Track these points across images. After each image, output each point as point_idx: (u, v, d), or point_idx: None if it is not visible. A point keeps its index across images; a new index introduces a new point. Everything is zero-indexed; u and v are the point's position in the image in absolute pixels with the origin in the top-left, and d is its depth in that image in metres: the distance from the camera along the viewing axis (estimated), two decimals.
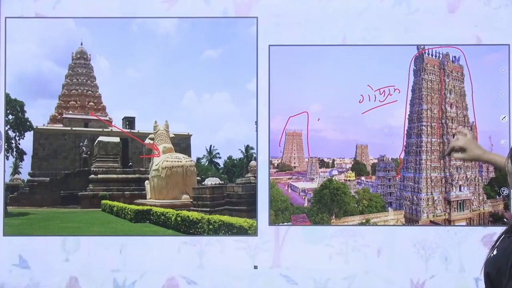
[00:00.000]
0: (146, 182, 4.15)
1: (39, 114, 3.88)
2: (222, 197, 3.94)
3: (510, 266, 1.38)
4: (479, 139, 3.70)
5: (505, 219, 3.60)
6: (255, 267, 3.47)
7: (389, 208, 3.77)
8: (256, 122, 3.64)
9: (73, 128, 4.37)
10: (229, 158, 4.04)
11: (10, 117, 3.75)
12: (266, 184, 3.57)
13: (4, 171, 3.68)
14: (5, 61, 3.65)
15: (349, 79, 3.66)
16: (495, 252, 1.47)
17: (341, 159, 3.88)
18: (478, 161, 1.86)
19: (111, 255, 3.57)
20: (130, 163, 4.35)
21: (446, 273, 3.52)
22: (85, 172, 4.14)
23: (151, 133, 4.12)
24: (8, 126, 3.75)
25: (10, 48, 3.66)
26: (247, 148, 3.87)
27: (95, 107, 4.38)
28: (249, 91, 3.66)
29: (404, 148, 3.72)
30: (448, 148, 1.83)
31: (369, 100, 3.63)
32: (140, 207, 3.99)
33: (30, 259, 3.57)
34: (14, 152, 3.83)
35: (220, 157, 4.10)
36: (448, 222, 3.69)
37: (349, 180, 3.86)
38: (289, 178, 3.82)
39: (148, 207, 3.97)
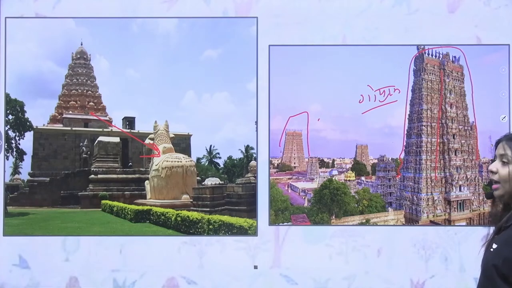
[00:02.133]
0: (146, 182, 4.15)
1: (39, 114, 3.88)
2: (222, 197, 3.94)
3: None
4: (479, 139, 3.70)
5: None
6: (255, 267, 3.47)
7: (389, 208, 3.77)
8: (256, 122, 3.63)
9: (73, 128, 4.36)
10: (229, 158, 4.04)
11: (10, 117, 3.75)
12: (266, 184, 3.57)
13: (4, 171, 3.68)
14: (5, 61, 3.65)
15: (349, 79, 3.66)
16: (494, 246, 1.58)
17: (341, 159, 3.88)
18: None
19: (111, 255, 3.57)
20: (130, 163, 4.35)
21: (446, 273, 3.52)
22: (85, 172, 4.14)
23: (151, 133, 4.12)
24: (8, 126, 3.75)
25: (10, 48, 3.66)
26: (247, 148, 3.87)
27: (95, 107, 4.39)
28: (249, 91, 3.66)
29: (404, 148, 3.72)
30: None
31: (369, 100, 3.63)
32: (140, 207, 3.99)
33: (30, 259, 3.57)
34: (14, 152, 3.83)
35: (220, 157, 4.11)
36: (448, 222, 3.69)
37: (349, 180, 3.86)
38: (289, 178, 3.82)
39: (148, 207, 3.97)
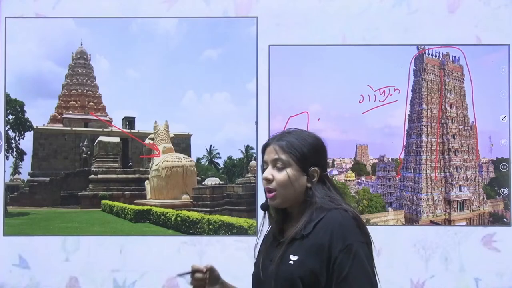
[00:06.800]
0: (146, 182, 4.15)
1: (39, 114, 3.88)
2: (222, 197, 3.94)
3: (333, 263, 1.39)
4: (479, 139, 3.70)
5: (505, 219, 3.60)
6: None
7: (389, 208, 3.77)
8: (256, 122, 3.63)
9: (73, 128, 4.36)
10: (229, 158, 4.03)
11: (10, 117, 3.75)
12: None
13: (4, 171, 3.68)
14: (5, 61, 3.65)
15: (349, 79, 3.66)
16: (294, 258, 1.43)
17: (341, 159, 3.88)
18: None
19: (111, 255, 3.57)
20: (130, 163, 4.35)
21: (446, 273, 3.52)
22: (85, 172, 4.13)
23: (151, 133, 4.12)
24: (8, 126, 3.76)
25: (10, 48, 3.66)
26: (247, 148, 3.87)
27: (95, 107, 4.39)
28: (249, 91, 3.66)
29: (404, 148, 3.72)
30: None
31: (369, 100, 3.63)
32: (140, 207, 3.98)
33: (30, 259, 3.57)
34: (14, 152, 3.83)
35: (220, 157, 4.10)
36: (448, 222, 3.69)
37: (349, 180, 3.86)
38: None
39: (148, 207, 3.97)
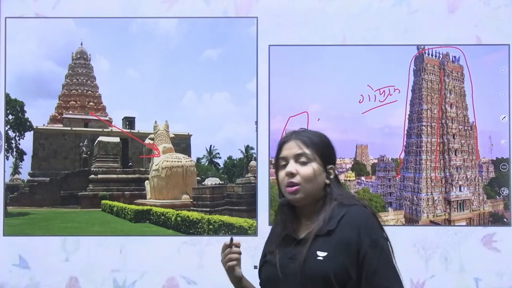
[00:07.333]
0: (146, 182, 4.15)
1: (39, 114, 3.88)
2: (222, 197, 3.94)
3: (362, 258, 1.44)
4: (479, 139, 3.70)
5: (505, 219, 3.60)
6: (255, 267, 3.46)
7: (389, 208, 3.77)
8: (256, 122, 3.63)
9: (73, 128, 4.36)
10: (229, 158, 4.04)
11: (10, 117, 3.75)
12: (266, 184, 3.57)
13: (4, 171, 3.68)
14: (5, 61, 3.65)
15: (349, 79, 3.66)
16: (323, 254, 1.43)
17: (341, 159, 3.88)
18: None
19: (111, 255, 3.57)
20: (130, 163, 4.35)
21: (446, 273, 3.52)
22: (85, 172, 4.14)
23: (151, 133, 4.12)
24: (8, 126, 3.75)
25: (10, 48, 3.66)
26: (247, 148, 3.86)
27: (95, 107, 4.39)
28: (249, 91, 3.66)
29: (404, 148, 3.72)
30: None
31: (369, 100, 3.63)
32: (140, 207, 3.99)
33: (30, 259, 3.57)
34: (14, 152, 3.83)
35: (220, 157, 4.10)
36: (448, 222, 3.69)
37: (349, 180, 3.86)
38: None
39: (148, 207, 3.97)
